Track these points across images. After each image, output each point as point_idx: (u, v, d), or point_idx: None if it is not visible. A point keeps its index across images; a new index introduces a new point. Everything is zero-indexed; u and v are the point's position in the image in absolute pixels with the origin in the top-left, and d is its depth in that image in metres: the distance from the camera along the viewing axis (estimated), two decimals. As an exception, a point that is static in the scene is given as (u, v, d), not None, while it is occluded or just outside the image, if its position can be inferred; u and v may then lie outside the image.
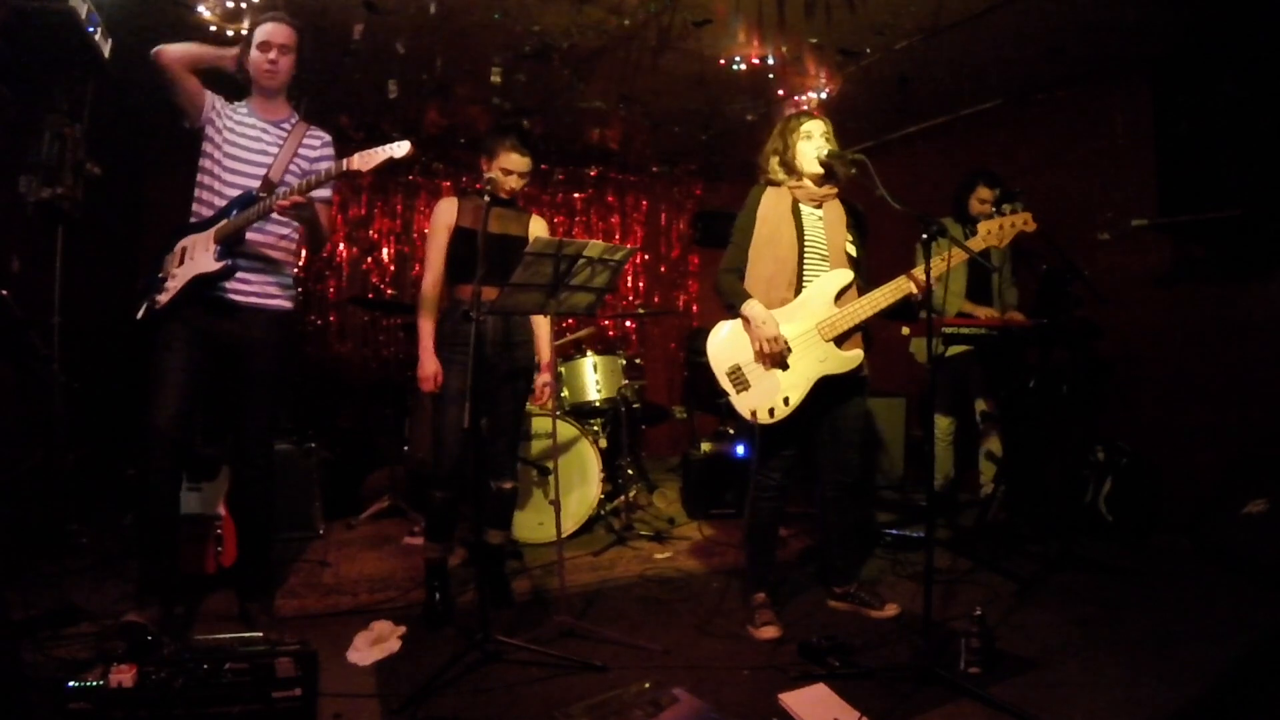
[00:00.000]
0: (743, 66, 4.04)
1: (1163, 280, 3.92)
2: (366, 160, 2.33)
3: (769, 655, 2.42)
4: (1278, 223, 3.23)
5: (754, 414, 2.54)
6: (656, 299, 6.64)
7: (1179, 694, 2.12)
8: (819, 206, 2.68)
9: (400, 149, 2.32)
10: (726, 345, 2.62)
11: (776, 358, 2.52)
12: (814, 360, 2.55)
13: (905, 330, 3.55)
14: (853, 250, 2.68)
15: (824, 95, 4.45)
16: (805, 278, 2.62)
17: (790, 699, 2.08)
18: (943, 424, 4.01)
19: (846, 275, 2.59)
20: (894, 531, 3.66)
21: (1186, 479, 3.69)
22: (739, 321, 2.62)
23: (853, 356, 2.57)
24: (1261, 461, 3.31)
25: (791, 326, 2.55)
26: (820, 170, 2.63)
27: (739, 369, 2.58)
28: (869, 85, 4.35)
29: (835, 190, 2.70)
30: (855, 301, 2.55)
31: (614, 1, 3.42)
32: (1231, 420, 3.62)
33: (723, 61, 4.03)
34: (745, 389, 2.57)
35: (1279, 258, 3.48)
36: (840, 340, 2.56)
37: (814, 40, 3.79)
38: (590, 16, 3.55)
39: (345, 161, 2.35)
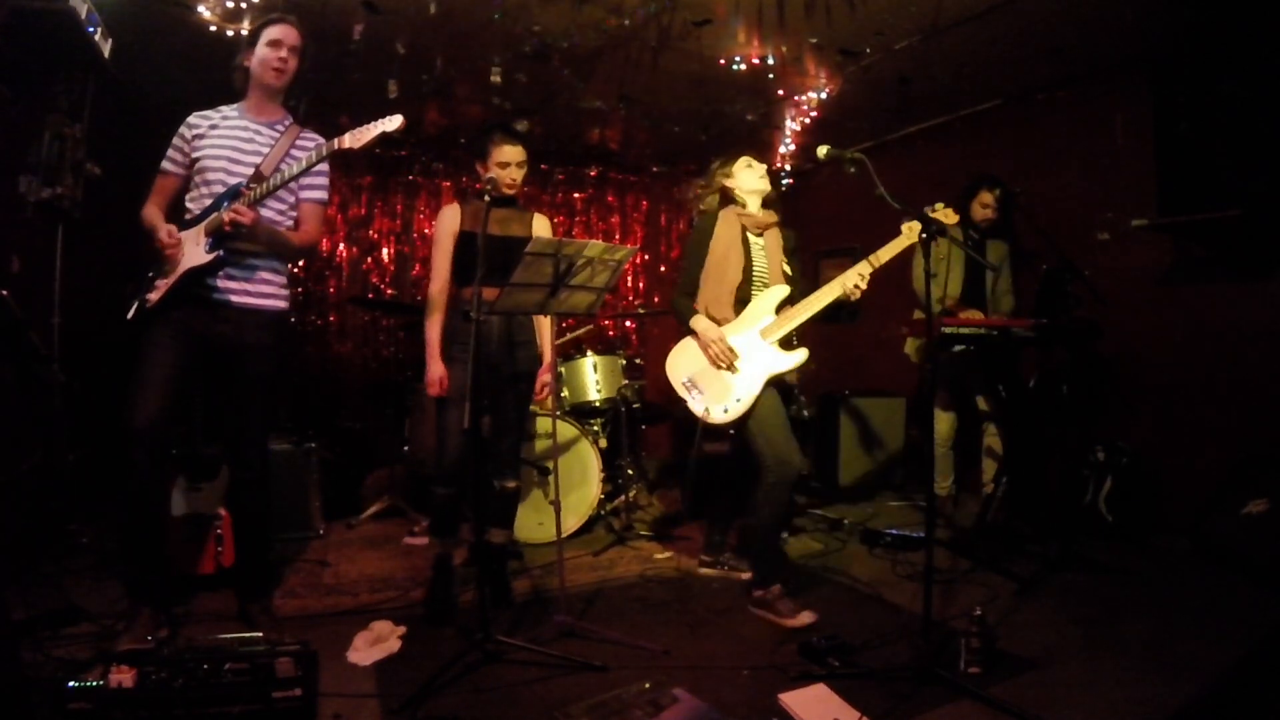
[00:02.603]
0: (743, 66, 4.04)
1: (1163, 280, 3.92)
2: (358, 137, 2.29)
3: (769, 655, 2.42)
4: (1278, 223, 3.23)
5: (707, 412, 2.80)
6: (656, 299, 6.63)
7: (1179, 694, 2.13)
8: (761, 235, 2.98)
9: (392, 123, 2.28)
10: (681, 360, 2.92)
11: (725, 359, 2.78)
12: (760, 362, 2.79)
13: (904, 330, 3.55)
14: (789, 270, 2.99)
15: (824, 95, 4.45)
16: (746, 300, 2.90)
17: (790, 699, 2.08)
18: (943, 427, 4.01)
19: (784, 289, 2.88)
20: (894, 531, 3.66)
21: (1186, 479, 3.69)
22: (691, 339, 2.90)
23: (797, 355, 2.80)
24: (1261, 461, 3.31)
25: (739, 336, 2.83)
26: (763, 187, 2.93)
27: (692, 378, 2.87)
28: (869, 85, 4.35)
29: (776, 219, 3.00)
30: (792, 308, 2.82)
31: (614, 1, 3.42)
32: (1231, 420, 3.62)
33: (723, 61, 4.03)
34: (699, 393, 2.84)
35: (1279, 258, 3.48)
36: (784, 343, 2.82)
37: (814, 40, 3.79)
38: (590, 16, 3.55)
39: (336, 140, 2.31)
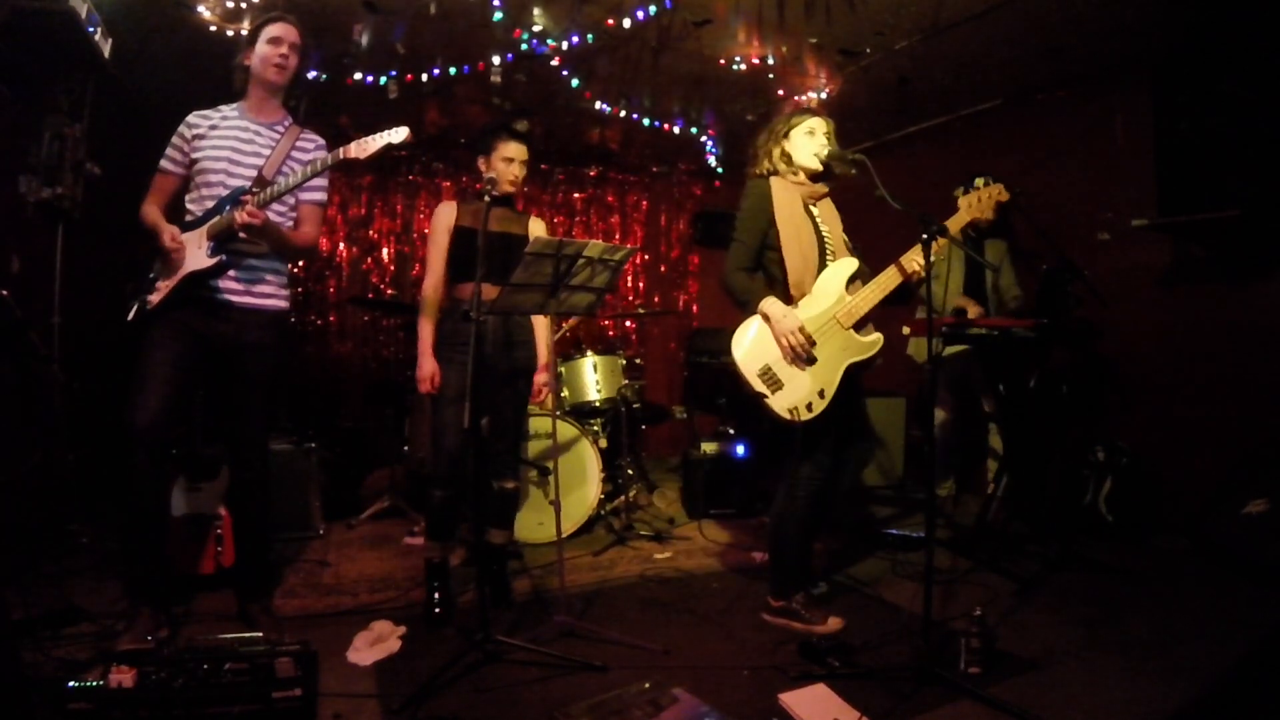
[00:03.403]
0: (743, 66, 4.05)
1: (1163, 280, 3.92)
2: (363, 148, 2.30)
3: (769, 655, 2.42)
4: (1278, 223, 3.23)
5: (793, 411, 2.48)
6: (656, 299, 6.64)
7: (1179, 694, 2.13)
8: (815, 204, 2.69)
9: (398, 135, 2.30)
10: (753, 347, 2.55)
11: (802, 350, 2.49)
12: (838, 349, 2.53)
13: (906, 330, 3.55)
14: (849, 242, 2.71)
15: (824, 95, 4.45)
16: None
17: (790, 699, 2.08)
18: (938, 419, 4.01)
19: (853, 263, 2.60)
20: (894, 531, 3.66)
21: (1186, 479, 3.69)
22: (760, 321, 2.56)
23: (874, 340, 2.56)
24: (1261, 461, 3.31)
25: (813, 319, 2.53)
26: (817, 166, 2.62)
27: (769, 369, 2.52)
28: (869, 85, 4.35)
29: (828, 190, 2.72)
30: (865, 287, 2.55)
31: (614, 1, 3.42)
32: (1231, 420, 3.61)
33: (723, 61, 4.03)
34: (779, 388, 2.51)
35: (1279, 258, 3.48)
36: (858, 327, 2.56)
37: (814, 40, 3.79)
38: (590, 16, 3.55)
39: (341, 150, 2.32)
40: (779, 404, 2.50)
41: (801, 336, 2.48)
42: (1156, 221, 3.65)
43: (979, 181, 2.57)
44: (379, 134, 2.30)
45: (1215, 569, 3.19)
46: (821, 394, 2.49)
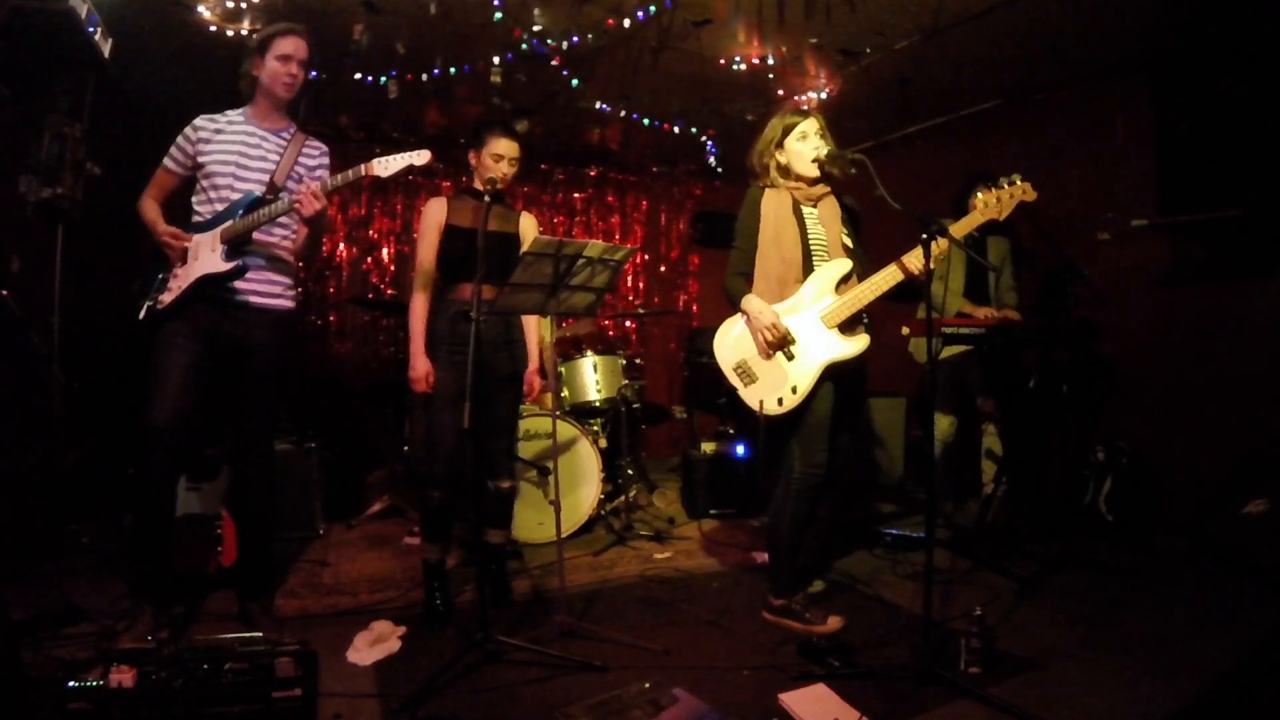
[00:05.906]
0: (743, 66, 4.05)
1: (1163, 280, 3.92)
2: (386, 167, 2.37)
3: (769, 655, 2.42)
4: (1278, 223, 3.23)
5: (761, 404, 2.56)
6: (656, 299, 6.64)
7: (1179, 694, 2.13)
8: (815, 205, 2.72)
9: (420, 157, 2.38)
10: (733, 342, 2.67)
11: (778, 344, 2.55)
12: (819, 347, 2.56)
13: (905, 330, 3.55)
14: (849, 242, 2.72)
15: (824, 95, 4.45)
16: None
17: (790, 699, 2.08)
18: (942, 425, 4.01)
19: (845, 264, 2.62)
20: (894, 531, 3.65)
21: (1186, 479, 3.69)
22: (740, 318, 2.67)
23: (858, 341, 2.57)
24: (1261, 461, 3.31)
25: (795, 318, 2.58)
26: (815, 173, 2.65)
27: (745, 363, 2.62)
28: (869, 85, 4.35)
29: (829, 189, 2.73)
30: (855, 287, 2.57)
31: (614, 1, 3.42)
32: (1231, 420, 3.61)
33: (723, 61, 4.03)
34: (752, 381, 2.60)
35: (1279, 258, 3.48)
36: (845, 328, 2.57)
37: (814, 40, 3.79)
38: (590, 16, 3.55)
39: (365, 167, 2.38)
40: (749, 396, 2.60)
41: (778, 330, 2.53)
42: (1156, 221, 3.66)
43: (1002, 181, 2.52)
44: (402, 154, 2.38)
45: (1215, 569, 3.19)
46: (794, 390, 2.54)
